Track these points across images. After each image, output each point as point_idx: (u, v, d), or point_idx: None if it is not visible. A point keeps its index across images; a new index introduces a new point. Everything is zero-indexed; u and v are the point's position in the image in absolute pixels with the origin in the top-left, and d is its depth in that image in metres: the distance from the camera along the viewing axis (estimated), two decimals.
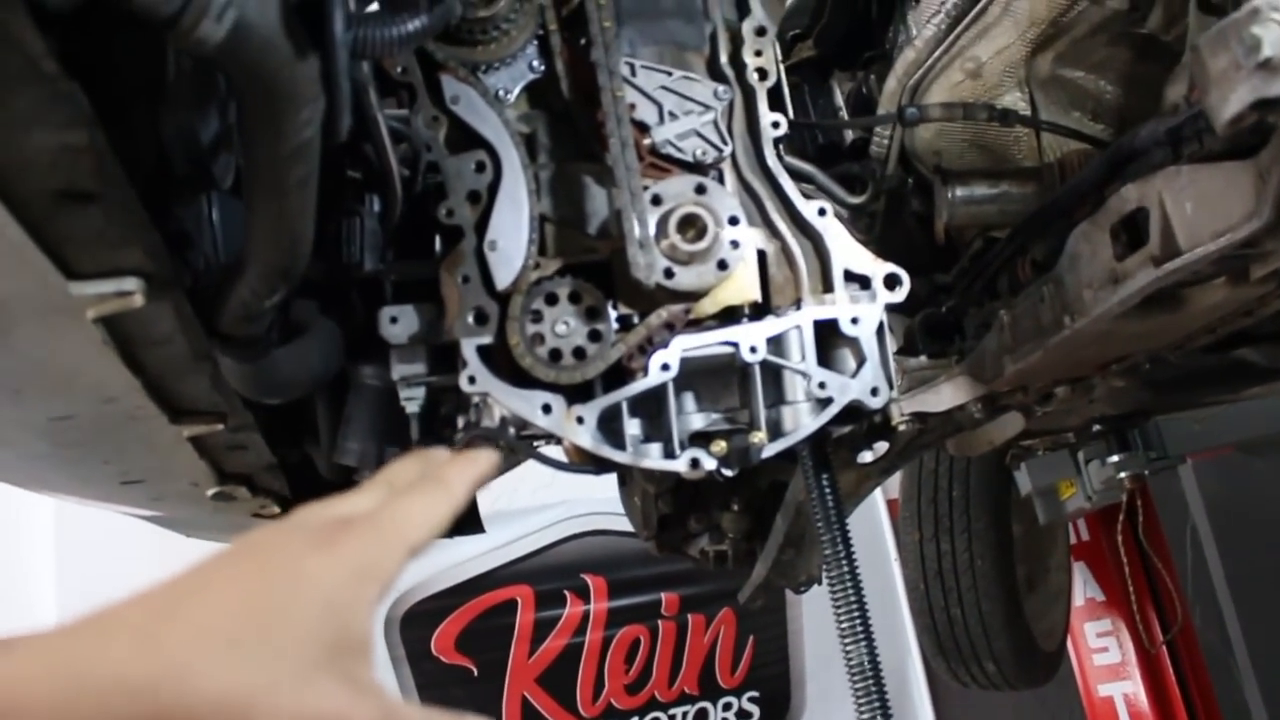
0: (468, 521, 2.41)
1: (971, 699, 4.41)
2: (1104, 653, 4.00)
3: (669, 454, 1.26)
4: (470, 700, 4.14)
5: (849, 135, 2.05)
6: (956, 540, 3.11)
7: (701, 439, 1.28)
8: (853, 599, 1.39)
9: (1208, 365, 2.22)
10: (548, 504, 4.36)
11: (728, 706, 4.28)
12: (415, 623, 4.18)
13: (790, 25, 2.24)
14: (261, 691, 0.66)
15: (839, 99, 2.22)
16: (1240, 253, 1.33)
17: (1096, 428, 2.91)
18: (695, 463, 1.24)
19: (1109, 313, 1.39)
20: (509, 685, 4.19)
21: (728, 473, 1.25)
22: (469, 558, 4.29)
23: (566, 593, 4.31)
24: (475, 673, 4.18)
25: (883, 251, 1.95)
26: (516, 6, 1.33)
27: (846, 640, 1.39)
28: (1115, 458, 2.96)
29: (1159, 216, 1.30)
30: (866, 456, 2.02)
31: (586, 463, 1.29)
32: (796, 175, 1.91)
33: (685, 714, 4.26)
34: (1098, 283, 1.41)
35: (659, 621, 4.34)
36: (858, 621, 1.39)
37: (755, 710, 4.28)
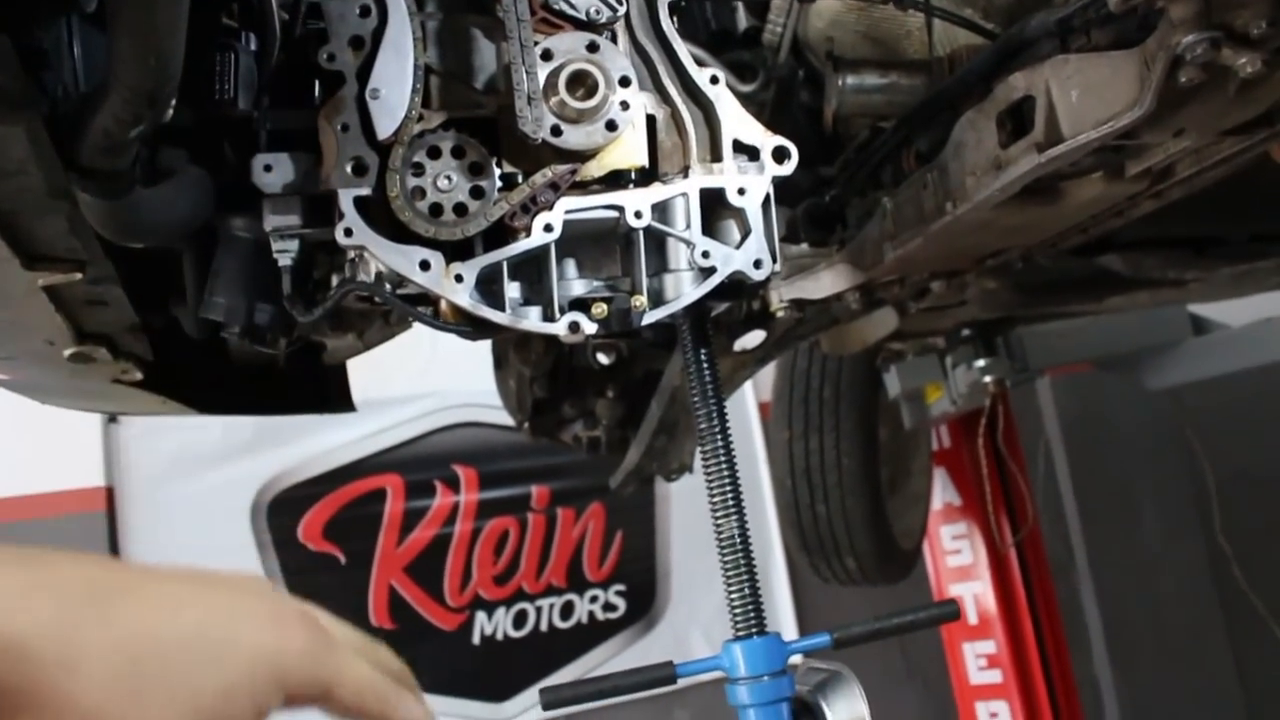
0: (338, 399, 2.37)
1: (829, 594, 4.55)
2: (957, 554, 4.15)
3: (548, 317, 1.23)
4: (337, 587, 4.12)
5: (742, 22, 2.02)
6: (825, 439, 3.17)
7: (581, 304, 1.26)
8: (725, 474, 1.40)
9: (1074, 270, 2.29)
10: (420, 393, 4.31)
11: (594, 599, 4.33)
12: (282, 509, 4.13)
13: None
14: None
15: None
16: (1120, 143, 1.36)
17: (965, 333, 2.98)
18: (575, 326, 1.23)
19: (990, 199, 1.41)
20: (376, 573, 4.18)
21: (605, 338, 1.24)
22: (339, 445, 4.23)
23: (437, 483, 4.29)
24: (342, 560, 4.15)
25: None
26: None
27: (718, 514, 1.40)
28: (981, 362, 3.04)
29: (1045, 104, 1.31)
30: (744, 343, 2.04)
31: (463, 323, 1.26)
32: None
33: (552, 606, 4.30)
34: (981, 169, 1.42)
35: (528, 514, 4.36)
36: (730, 496, 1.40)
37: (621, 603, 4.34)
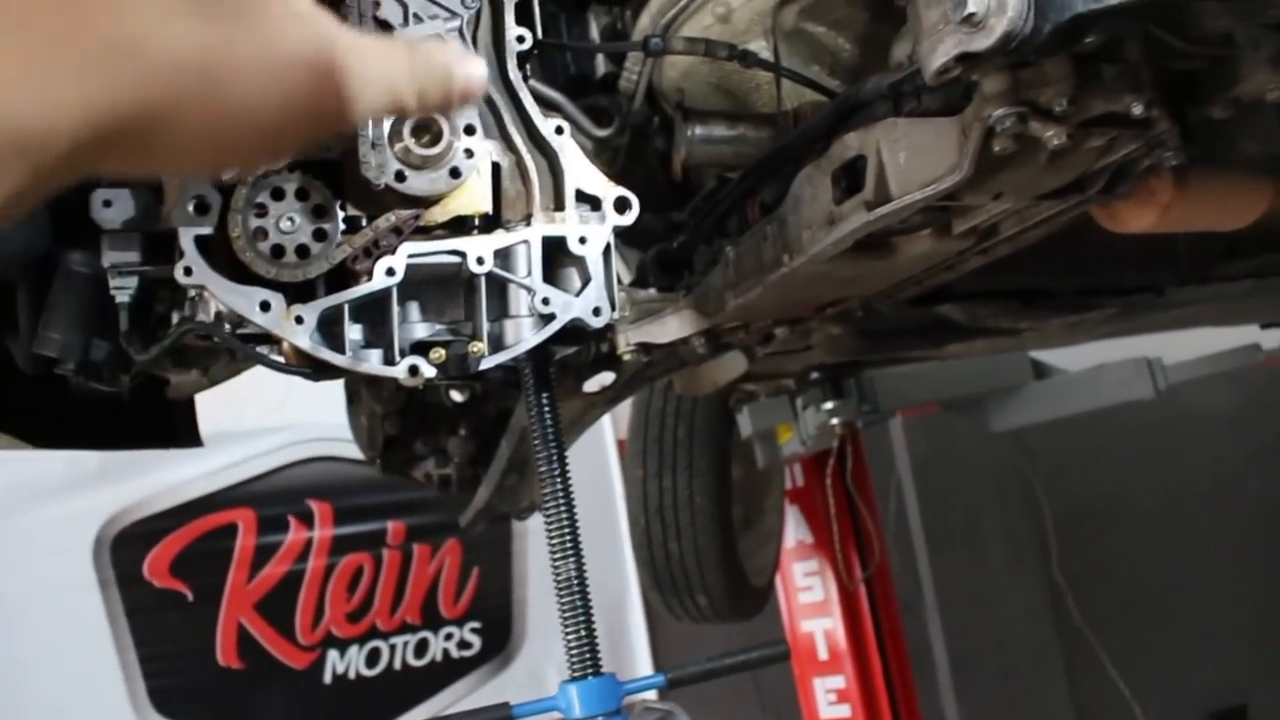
0: (184, 434, 2.32)
1: (685, 631, 4.60)
2: (809, 591, 4.24)
3: (389, 360, 1.25)
4: (183, 625, 4.01)
5: (600, 68, 2.06)
6: (679, 478, 3.22)
7: (423, 348, 1.28)
8: (564, 516, 1.43)
9: (915, 318, 2.38)
10: (275, 427, 4.24)
11: (449, 636, 4.30)
12: (127, 545, 4.01)
13: None
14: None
15: (594, 30, 2.24)
16: (944, 204, 1.43)
17: (814, 375, 3.07)
18: (414, 370, 1.24)
19: (823, 253, 1.47)
20: (225, 611, 4.08)
21: (446, 381, 1.25)
22: (189, 479, 4.13)
23: (290, 518, 4.21)
24: (190, 597, 4.04)
25: (624, 186, 1.99)
26: None
27: (556, 556, 1.42)
28: (829, 404, 3.13)
29: (875, 164, 1.38)
30: (592, 385, 2.07)
31: (304, 364, 1.26)
32: (544, 102, 1.92)
33: (406, 643, 4.25)
34: (816, 224, 1.49)
35: (384, 550, 4.31)
36: (568, 538, 1.42)
37: (476, 640, 4.32)
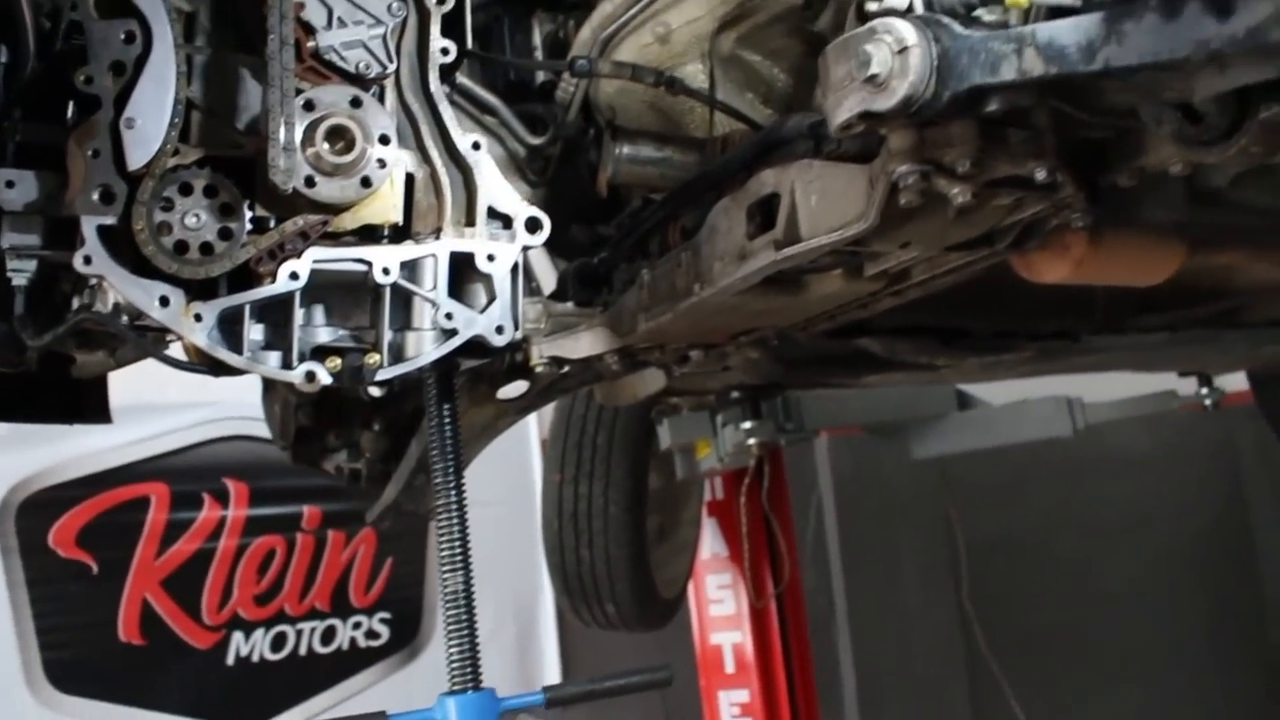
0: (93, 410, 2.29)
1: (595, 637, 4.61)
2: (720, 604, 4.26)
3: (286, 364, 1.25)
4: (85, 597, 3.95)
5: (539, 75, 2.07)
6: (595, 485, 3.23)
7: (324, 353, 1.28)
8: (456, 528, 1.43)
9: (833, 349, 2.41)
10: (197, 402, 4.19)
11: (357, 625, 4.28)
12: (32, 512, 3.94)
13: None
14: None
15: (537, 38, 2.24)
16: (852, 249, 1.46)
17: (735, 394, 3.09)
18: (310, 375, 1.24)
19: (733, 286, 1.49)
20: (130, 585, 4.02)
21: (344, 387, 1.26)
22: (104, 449, 4.07)
23: (205, 495, 4.17)
24: (94, 569, 3.98)
25: (553, 195, 2.00)
26: None
27: (445, 569, 1.43)
28: (747, 424, 3.15)
29: (788, 204, 1.40)
30: (506, 392, 2.07)
31: (201, 362, 1.26)
32: (481, 106, 1.92)
33: (313, 629, 4.23)
34: (728, 257, 1.50)
35: (297, 534, 4.28)
36: (458, 551, 1.43)
37: (385, 631, 4.31)
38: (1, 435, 3.85)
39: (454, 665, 1.39)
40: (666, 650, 4.79)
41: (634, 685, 1.46)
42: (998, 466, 5.90)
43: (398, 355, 1.29)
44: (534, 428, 4.67)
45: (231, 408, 4.18)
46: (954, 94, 0.99)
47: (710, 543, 4.25)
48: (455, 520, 1.43)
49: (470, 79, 1.87)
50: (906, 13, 1.03)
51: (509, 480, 4.38)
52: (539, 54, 2.19)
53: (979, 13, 1.04)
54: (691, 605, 4.31)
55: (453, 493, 1.43)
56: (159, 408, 4.10)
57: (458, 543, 1.42)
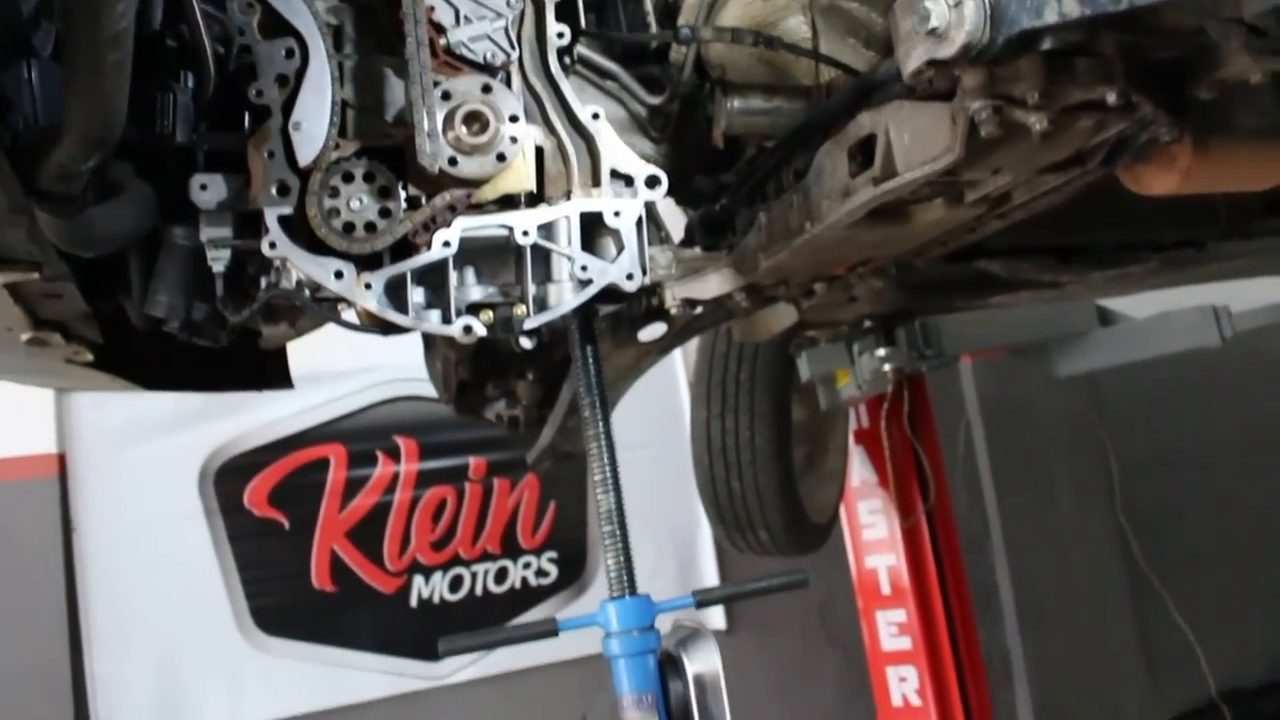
0: (277, 378, 2.55)
1: (753, 566, 4.78)
2: (872, 529, 4.38)
3: (446, 320, 1.43)
4: (281, 551, 4.30)
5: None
6: (740, 419, 3.38)
7: (477, 308, 1.46)
8: (606, 454, 1.61)
9: (953, 273, 2.50)
10: (364, 367, 4.49)
11: (527, 565, 4.54)
12: (229, 477, 4.29)
13: None
14: None
15: (648, 5, 2.38)
16: (948, 179, 1.57)
17: (867, 324, 3.20)
18: (468, 329, 1.43)
19: (840, 221, 1.62)
20: (319, 539, 4.36)
21: (507, 338, 1.43)
22: (284, 416, 4.40)
23: (378, 453, 4.47)
24: (286, 526, 4.32)
25: (676, 149, 2.14)
26: None
27: (599, 490, 1.61)
28: (881, 351, 3.26)
29: (884, 143, 1.52)
30: (646, 335, 2.24)
31: (373, 325, 1.46)
32: (602, 73, 2.07)
33: (487, 571, 4.50)
34: (834, 195, 1.63)
35: (466, 484, 4.55)
36: (609, 474, 1.60)
37: (553, 569, 4.55)
38: (196, 409, 4.21)
39: (611, 574, 1.57)
40: (823, 575, 4.95)
41: (774, 587, 1.62)
42: (1149, 383, 5.84)
43: (541, 305, 1.46)
44: (681, 372, 4.84)
45: (395, 370, 4.47)
46: (1007, 38, 1.10)
47: (859, 470, 4.36)
48: (605, 447, 1.60)
49: (590, 49, 2.02)
50: None
51: (661, 424, 4.57)
52: (651, 20, 2.33)
53: None
54: (845, 531, 4.44)
55: (600, 423, 1.60)
56: (330, 375, 4.41)
57: (608, 467, 1.59)
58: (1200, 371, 6.02)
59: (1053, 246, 2.50)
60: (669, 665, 1.57)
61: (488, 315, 1.43)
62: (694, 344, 3.84)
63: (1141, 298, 4.01)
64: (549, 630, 1.56)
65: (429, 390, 4.32)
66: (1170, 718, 5.79)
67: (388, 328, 1.46)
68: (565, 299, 1.47)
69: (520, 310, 1.44)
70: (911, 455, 4.23)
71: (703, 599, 1.60)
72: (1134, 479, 5.77)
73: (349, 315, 1.55)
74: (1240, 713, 5.66)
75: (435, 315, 1.45)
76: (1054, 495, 5.66)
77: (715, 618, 4.75)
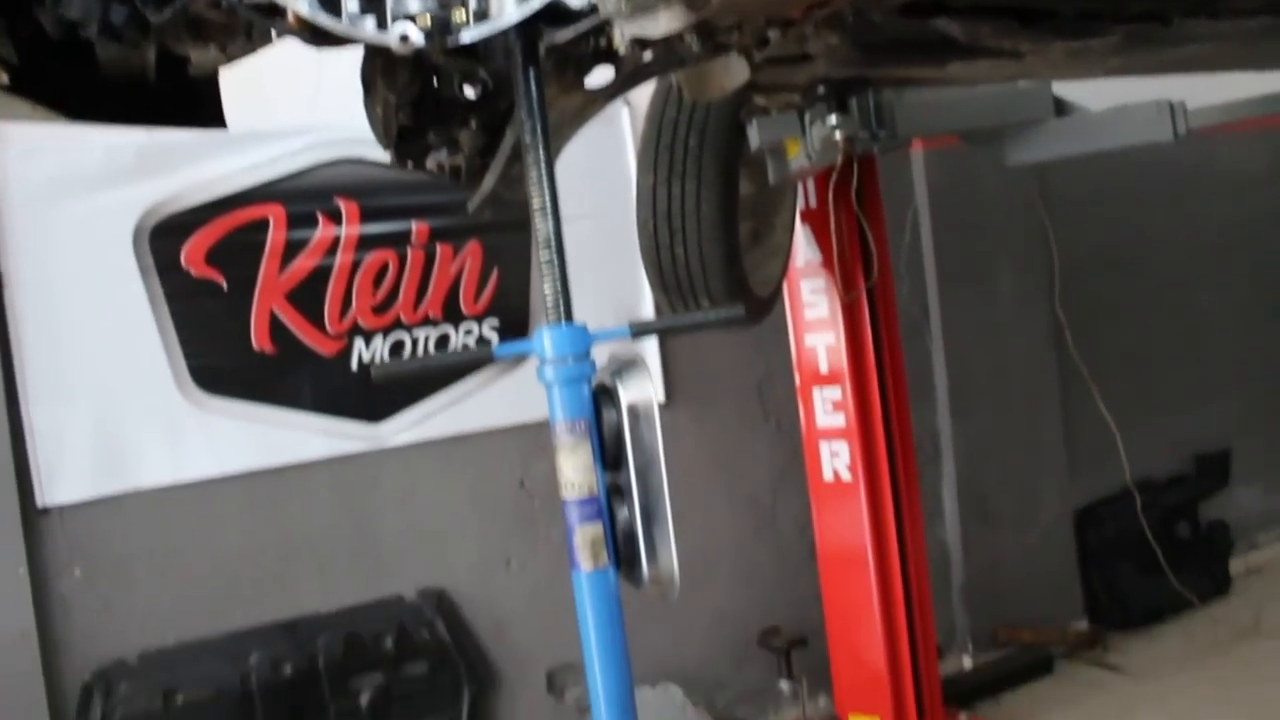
0: (209, 113, 2.46)
1: (697, 341, 4.83)
2: (814, 308, 4.43)
3: (381, 25, 1.37)
4: (220, 312, 4.25)
5: None
6: (686, 185, 3.34)
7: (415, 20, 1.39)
8: (545, 181, 1.57)
9: (911, 32, 2.43)
10: (305, 127, 4.36)
11: (469, 332, 4.52)
12: (165, 235, 4.20)
13: None
14: None
15: None
16: None
17: (820, 90, 3.14)
18: (404, 38, 1.36)
19: None
20: (258, 300, 4.30)
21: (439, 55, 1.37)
22: (223, 175, 4.28)
23: (319, 215, 4.39)
24: (225, 286, 4.26)
25: None
26: None
27: (536, 215, 1.58)
28: (833, 119, 3.21)
29: None
30: (593, 80, 2.17)
31: (303, 31, 1.38)
32: None
33: (428, 336, 4.48)
34: None
35: (408, 249, 4.50)
36: (548, 198, 1.57)
37: (494, 337, 4.54)
38: (128, 164, 4.09)
39: (549, 302, 1.56)
40: (764, 351, 5.02)
41: (710, 321, 1.62)
42: (1097, 182, 5.87)
43: (483, 17, 1.40)
44: (630, 143, 4.76)
45: (338, 130, 4.35)
46: None
47: (804, 250, 4.38)
48: (544, 175, 1.57)
49: None
50: None
51: (605, 192, 4.52)
52: None
53: None
54: (786, 309, 4.48)
55: (540, 149, 1.56)
56: (270, 134, 4.29)
57: (548, 193, 1.56)
58: (1147, 174, 6.05)
59: (1014, 7, 2.44)
60: (603, 395, 1.58)
61: (425, 20, 1.37)
62: (642, 111, 3.77)
63: (1099, 93, 3.97)
64: (486, 356, 1.56)
65: (372, 153, 4.24)
66: (1085, 502, 6.04)
67: (319, 35, 1.39)
68: (507, 11, 1.40)
69: (459, 15, 1.37)
70: (857, 234, 4.24)
71: (639, 329, 1.60)
72: (1075, 275, 5.85)
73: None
74: (1148, 501, 5.92)
75: (369, 21, 1.38)
76: (995, 286, 5.73)
77: (655, 390, 4.81)
